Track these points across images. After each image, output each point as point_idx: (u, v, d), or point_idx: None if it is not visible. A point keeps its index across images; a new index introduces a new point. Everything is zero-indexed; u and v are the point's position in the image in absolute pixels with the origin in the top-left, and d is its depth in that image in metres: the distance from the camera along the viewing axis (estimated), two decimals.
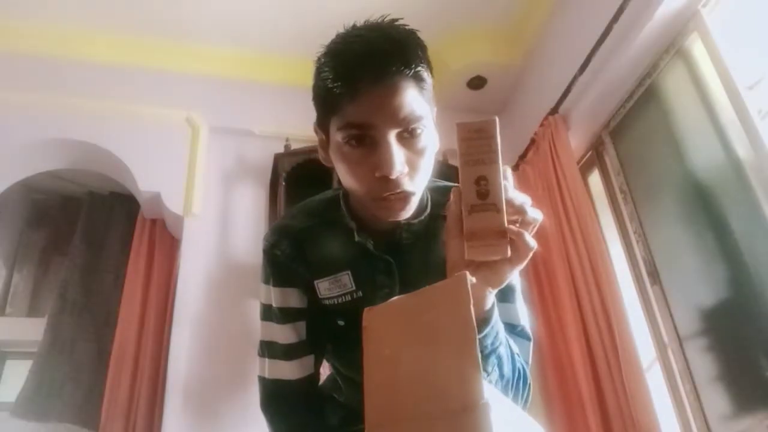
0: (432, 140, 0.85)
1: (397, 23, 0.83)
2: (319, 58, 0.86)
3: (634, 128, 2.55)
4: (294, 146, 2.85)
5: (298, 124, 2.96)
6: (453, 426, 0.52)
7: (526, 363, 0.93)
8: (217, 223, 2.85)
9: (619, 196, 2.60)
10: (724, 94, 2.03)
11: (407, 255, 0.95)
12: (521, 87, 3.20)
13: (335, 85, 0.79)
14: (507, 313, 0.94)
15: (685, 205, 2.26)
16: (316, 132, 0.92)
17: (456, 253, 0.71)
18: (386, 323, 0.62)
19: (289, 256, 0.99)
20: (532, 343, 0.97)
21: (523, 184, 2.96)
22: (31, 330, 3.43)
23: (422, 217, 0.94)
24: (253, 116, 3.07)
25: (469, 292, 0.56)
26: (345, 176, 0.85)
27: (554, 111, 2.74)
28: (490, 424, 0.51)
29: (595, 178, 2.82)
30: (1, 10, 2.79)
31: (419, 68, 0.80)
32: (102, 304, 3.29)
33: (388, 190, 0.81)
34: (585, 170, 2.85)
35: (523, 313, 0.97)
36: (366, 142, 0.80)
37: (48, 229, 4.02)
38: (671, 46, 2.28)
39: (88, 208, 3.66)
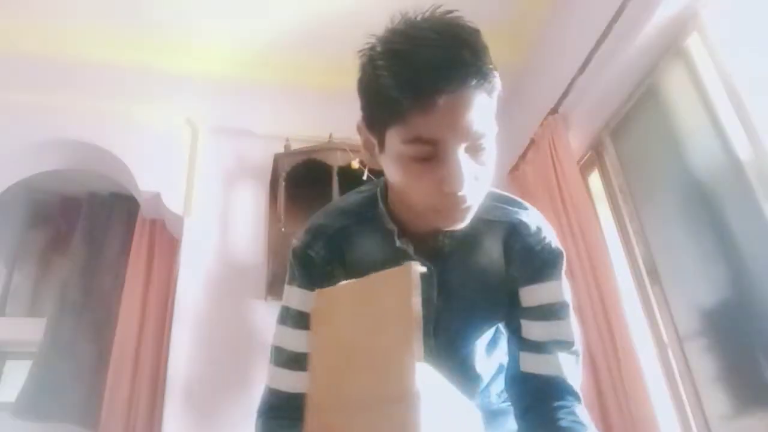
0: (494, 147, 0.79)
1: (458, 18, 0.77)
2: (372, 54, 0.77)
3: (634, 128, 2.55)
4: (294, 146, 2.85)
5: (298, 124, 2.98)
6: (385, 413, 0.53)
7: (577, 379, 0.93)
8: (217, 223, 2.85)
9: (619, 196, 2.60)
10: (724, 94, 2.03)
11: (448, 261, 0.91)
12: (521, 87, 3.20)
13: (404, 95, 0.71)
14: (560, 331, 0.92)
15: (685, 205, 2.26)
16: (360, 132, 0.85)
17: None
18: (335, 307, 0.62)
19: (324, 258, 0.93)
20: (580, 358, 0.95)
21: (523, 184, 2.96)
22: (31, 330, 3.43)
23: None
24: (253, 116, 3.07)
25: (414, 281, 0.56)
26: (405, 186, 0.80)
27: (554, 111, 2.74)
28: (418, 415, 0.51)
29: (595, 178, 2.82)
30: (1, 10, 2.79)
31: (496, 79, 0.75)
32: (102, 304, 3.29)
33: (452, 204, 0.77)
34: (585, 170, 2.85)
35: (575, 328, 0.94)
36: (432, 156, 0.75)
37: (48, 229, 4.03)
38: (671, 46, 2.28)
39: (88, 208, 3.67)
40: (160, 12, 2.88)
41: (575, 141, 2.74)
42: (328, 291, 0.64)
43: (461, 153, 0.74)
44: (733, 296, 2.03)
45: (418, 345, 0.54)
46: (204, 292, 2.67)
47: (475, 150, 0.76)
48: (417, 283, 0.56)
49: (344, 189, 2.54)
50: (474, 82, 0.72)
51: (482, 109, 0.74)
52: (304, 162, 2.74)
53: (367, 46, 0.79)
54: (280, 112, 3.09)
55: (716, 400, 2.04)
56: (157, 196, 2.87)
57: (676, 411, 2.18)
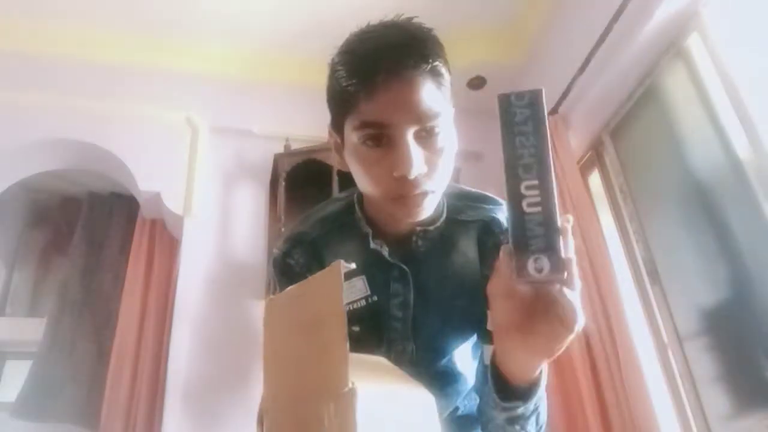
0: (450, 140, 0.80)
1: (414, 20, 0.80)
2: (332, 59, 0.82)
3: (634, 128, 2.55)
4: (294, 146, 2.85)
5: (298, 124, 2.98)
6: (324, 407, 0.55)
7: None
8: (217, 223, 2.85)
9: (619, 196, 2.60)
10: (724, 94, 2.03)
11: (422, 262, 0.92)
12: (521, 87, 3.18)
13: (350, 83, 0.76)
14: None
15: (685, 205, 2.26)
16: (330, 135, 0.88)
17: (503, 316, 0.61)
18: (279, 313, 0.64)
19: (303, 265, 0.95)
20: None
21: None
22: (31, 330, 3.43)
23: (438, 224, 0.90)
24: (253, 116, 3.07)
25: (341, 280, 0.57)
26: (361, 178, 0.82)
27: (554, 111, 2.74)
28: (354, 410, 0.52)
29: (595, 178, 2.82)
30: (1, 9, 2.80)
31: (437, 63, 0.77)
32: (102, 304, 3.29)
33: (406, 190, 0.77)
34: (585, 170, 2.85)
35: None
36: (383, 141, 0.76)
37: (48, 229, 4.03)
38: (671, 46, 2.28)
39: (88, 208, 3.67)
40: (160, 12, 2.88)
41: (575, 141, 2.74)
42: (274, 299, 0.67)
43: (410, 138, 0.75)
44: (733, 296, 2.03)
45: (345, 338, 0.55)
46: (204, 292, 2.67)
47: (426, 135, 0.77)
48: (342, 280, 0.57)
49: (344, 189, 2.53)
50: (411, 62, 0.74)
51: (427, 93, 0.75)
52: (304, 162, 2.75)
53: (333, 54, 0.82)
54: (280, 112, 3.09)
55: (716, 400, 2.04)
56: (157, 196, 2.87)
57: (676, 411, 2.19)
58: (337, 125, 0.83)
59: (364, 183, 0.82)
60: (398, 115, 0.75)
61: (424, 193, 0.79)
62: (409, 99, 0.74)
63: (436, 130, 0.77)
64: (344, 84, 0.76)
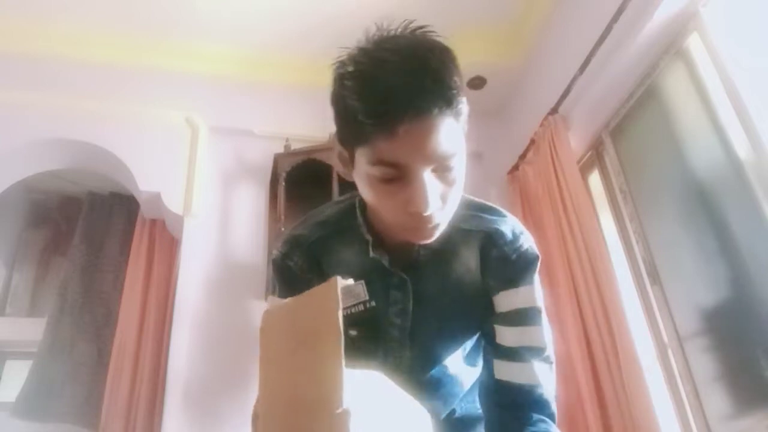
0: (463, 169, 0.79)
1: (426, 35, 0.77)
2: (342, 72, 0.78)
3: (634, 128, 2.55)
4: (294, 146, 2.85)
5: (298, 124, 2.98)
6: (317, 424, 0.55)
7: (552, 388, 0.94)
8: (217, 223, 2.85)
9: (619, 196, 2.60)
10: (724, 94, 2.03)
11: (423, 271, 0.92)
12: (521, 87, 3.20)
13: (368, 120, 0.72)
14: (533, 336, 0.92)
15: (685, 205, 2.26)
16: (333, 143, 0.86)
17: None
18: (276, 325, 0.64)
19: (301, 267, 0.95)
20: (554, 365, 0.96)
21: (523, 184, 2.96)
22: (31, 330, 3.44)
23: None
24: (253, 116, 3.07)
25: (338, 296, 0.58)
26: (373, 202, 0.81)
27: (554, 111, 2.74)
28: (347, 426, 0.53)
29: (595, 178, 2.82)
30: (1, 10, 2.79)
31: (460, 103, 0.74)
32: (102, 304, 3.30)
33: (420, 224, 0.78)
34: (585, 170, 2.85)
35: (548, 335, 0.94)
36: (398, 177, 0.75)
37: (48, 229, 4.03)
38: (671, 46, 2.28)
39: (88, 208, 3.67)
40: (160, 12, 2.88)
41: (575, 141, 2.74)
42: (271, 310, 0.67)
43: (427, 174, 0.74)
44: (733, 296, 2.03)
45: (341, 357, 0.55)
46: (204, 292, 2.67)
47: (442, 170, 0.76)
48: (339, 297, 0.58)
49: (344, 189, 2.53)
50: (436, 110, 0.71)
51: (447, 133, 0.73)
52: (304, 162, 2.75)
53: (339, 60, 0.79)
54: (280, 112, 3.09)
55: (716, 400, 2.04)
56: (157, 196, 2.87)
57: (676, 411, 2.19)
58: (345, 143, 0.81)
59: (375, 207, 0.82)
60: (418, 158, 0.73)
61: (437, 226, 0.79)
62: (431, 143, 0.72)
63: (452, 165, 0.76)
64: (360, 118, 0.73)
